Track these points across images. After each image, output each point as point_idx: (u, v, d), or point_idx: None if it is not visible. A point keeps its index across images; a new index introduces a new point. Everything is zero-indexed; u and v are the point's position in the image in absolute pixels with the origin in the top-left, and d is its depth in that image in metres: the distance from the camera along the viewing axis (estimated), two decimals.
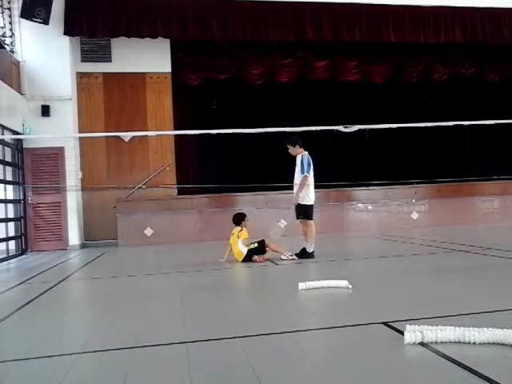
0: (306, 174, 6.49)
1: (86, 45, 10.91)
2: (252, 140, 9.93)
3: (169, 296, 4.58)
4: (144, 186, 10.97)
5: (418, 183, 11.91)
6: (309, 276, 5.33)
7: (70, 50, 10.50)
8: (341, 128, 7.19)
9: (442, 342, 2.58)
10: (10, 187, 9.52)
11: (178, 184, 11.27)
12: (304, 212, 6.60)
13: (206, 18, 10.75)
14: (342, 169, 12.91)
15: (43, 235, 10.17)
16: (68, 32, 10.25)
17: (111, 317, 3.77)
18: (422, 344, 2.59)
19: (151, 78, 11.31)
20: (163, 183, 11.02)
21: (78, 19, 10.25)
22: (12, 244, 9.53)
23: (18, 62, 10.02)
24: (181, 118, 11.80)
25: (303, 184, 6.50)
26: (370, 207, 11.75)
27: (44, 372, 2.54)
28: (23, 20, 9.84)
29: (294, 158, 6.75)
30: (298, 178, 6.63)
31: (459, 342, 2.57)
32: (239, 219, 6.79)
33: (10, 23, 10.05)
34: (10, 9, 10.06)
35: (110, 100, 11.12)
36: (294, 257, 6.57)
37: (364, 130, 7.78)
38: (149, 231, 10.55)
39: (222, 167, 12.70)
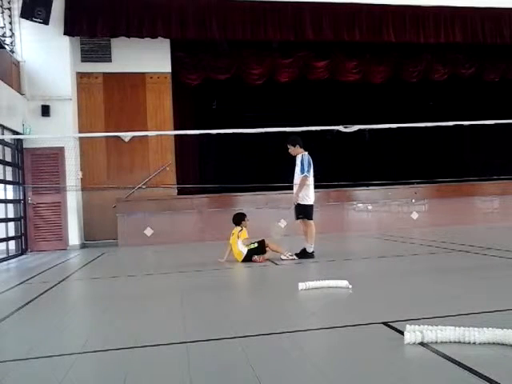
0: (305, 173, 6.49)
1: (86, 45, 10.91)
2: (252, 140, 9.92)
3: (169, 296, 4.58)
4: (144, 186, 10.97)
5: (417, 183, 11.90)
6: (309, 276, 5.33)
7: (70, 50, 10.50)
8: (341, 128, 7.18)
9: (442, 342, 2.58)
10: (10, 187, 9.52)
11: (178, 184, 11.27)
12: (304, 212, 6.60)
13: (206, 17, 10.75)
14: (341, 169, 12.91)
15: (43, 235, 10.17)
16: (68, 32, 10.25)
17: (111, 317, 3.77)
18: (422, 344, 2.59)
19: (151, 78, 11.31)
20: (163, 183, 11.02)
21: (78, 19, 10.25)
22: (12, 244, 9.53)
23: (18, 62, 10.02)
24: (181, 118, 11.80)
25: (303, 184, 6.50)
26: (369, 207, 11.75)
27: (44, 372, 2.54)
28: (23, 20, 9.84)
29: (293, 158, 6.75)
30: (297, 177, 6.63)
31: (459, 342, 2.57)
32: (239, 219, 6.79)
33: (10, 23, 10.05)
34: (10, 9, 10.06)
35: (109, 100, 11.12)
36: (294, 257, 6.57)
37: (364, 129, 7.77)
38: (149, 231, 10.55)
39: (221, 167, 12.70)
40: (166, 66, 11.35)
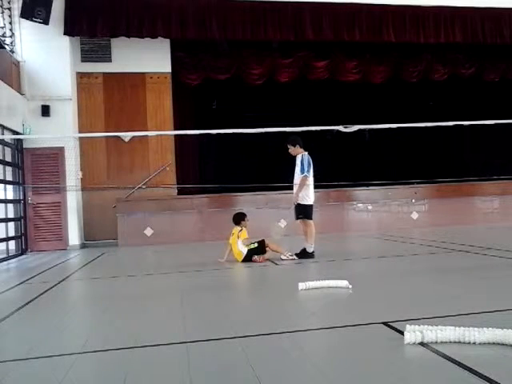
0: (305, 173, 6.49)
1: (86, 45, 10.91)
2: (252, 140, 9.92)
3: (169, 296, 4.58)
4: (144, 186, 10.97)
5: (418, 183, 11.90)
6: (309, 276, 5.33)
7: (70, 50, 10.50)
8: (341, 128, 7.19)
9: (442, 342, 2.58)
10: (10, 187, 9.52)
11: (178, 184, 11.27)
12: (304, 212, 6.60)
13: (206, 17, 10.75)
14: (342, 169, 12.90)
15: (43, 235, 10.17)
16: (68, 32, 10.25)
17: (111, 317, 3.77)
18: (422, 344, 2.59)
19: (151, 78, 11.31)
20: (163, 183, 11.02)
21: (78, 19, 10.25)
22: (12, 244, 9.53)
23: (18, 62, 10.02)
24: (181, 118, 11.80)
25: (303, 184, 6.50)
26: (370, 207, 11.75)
27: (44, 372, 2.54)
28: (23, 20, 9.84)
29: (293, 158, 6.75)
30: (297, 177, 6.63)
31: (459, 342, 2.57)
32: (239, 219, 6.79)
33: (10, 23, 10.05)
34: (10, 9, 10.06)
35: (109, 100, 11.12)
36: (294, 257, 6.57)
37: (364, 129, 7.77)
38: (149, 231, 10.55)
39: (222, 167, 12.69)
40: (166, 66, 11.36)
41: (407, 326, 2.75)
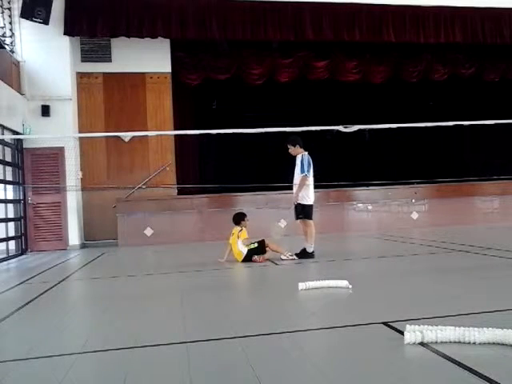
0: (305, 173, 6.49)
1: (86, 45, 10.92)
2: (252, 140, 9.92)
3: (169, 296, 4.58)
4: (144, 186, 10.97)
5: (418, 183, 11.90)
6: (309, 276, 5.33)
7: (70, 50, 10.50)
8: (341, 128, 7.19)
9: (442, 342, 2.58)
10: (10, 187, 9.52)
11: (178, 184, 11.27)
12: (304, 212, 6.60)
13: (206, 17, 10.75)
14: (342, 169, 12.90)
15: (43, 235, 10.17)
16: (68, 32, 10.25)
17: (111, 317, 3.77)
18: (422, 344, 2.59)
19: (151, 78, 11.31)
20: (163, 183, 11.02)
21: (78, 19, 10.25)
22: (12, 244, 9.53)
23: (18, 62, 10.02)
24: (181, 117, 11.80)
25: (303, 184, 6.50)
26: (370, 207, 11.75)
27: (44, 372, 2.54)
28: (23, 20, 9.84)
29: (294, 158, 6.75)
30: (297, 177, 6.63)
31: (459, 342, 2.57)
32: (239, 219, 6.79)
33: (10, 23, 10.05)
34: (10, 9, 10.06)
35: (110, 100, 11.12)
36: (294, 257, 6.57)
37: (364, 129, 7.77)
38: (149, 231, 10.55)
39: (222, 167, 12.70)
40: (166, 66, 11.36)
41: (407, 326, 2.75)
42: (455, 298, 3.74)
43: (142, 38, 10.67)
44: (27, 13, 9.66)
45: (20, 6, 9.75)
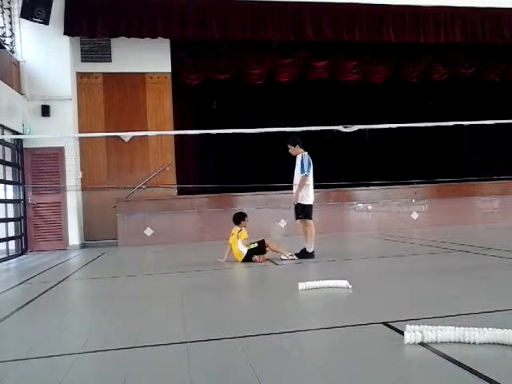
0: (306, 173, 6.49)
1: (86, 45, 10.91)
2: (252, 140, 9.92)
3: (169, 296, 4.58)
4: (144, 186, 10.97)
5: (418, 183, 11.90)
6: (309, 276, 5.33)
7: (70, 50, 10.51)
8: (341, 128, 7.19)
9: (442, 342, 2.58)
10: (10, 187, 9.52)
11: (178, 184, 11.27)
12: (303, 212, 6.60)
13: (206, 17, 10.75)
14: (342, 169, 12.91)
15: (43, 235, 10.17)
16: (68, 32, 10.25)
17: (111, 317, 3.77)
18: (422, 344, 2.59)
19: (151, 78, 11.31)
20: (163, 183, 11.02)
21: (78, 19, 10.25)
22: (12, 244, 9.53)
23: (18, 62, 10.02)
24: (181, 118, 11.80)
25: (303, 183, 6.50)
26: (369, 207, 11.75)
27: (44, 372, 2.54)
28: (23, 20, 9.84)
29: (293, 158, 6.75)
30: (297, 177, 6.63)
31: (459, 342, 2.57)
32: (239, 219, 6.79)
33: (10, 23, 10.05)
34: (10, 9, 10.06)
35: (110, 100, 11.12)
36: (294, 257, 6.57)
37: (364, 129, 7.77)
38: (149, 231, 10.55)
39: (222, 167, 12.70)
40: (166, 66, 11.36)
41: (407, 326, 2.75)
42: (455, 298, 3.74)
43: (142, 37, 10.67)
44: (27, 13, 9.66)
45: (20, 5, 9.75)
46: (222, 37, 10.99)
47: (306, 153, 6.67)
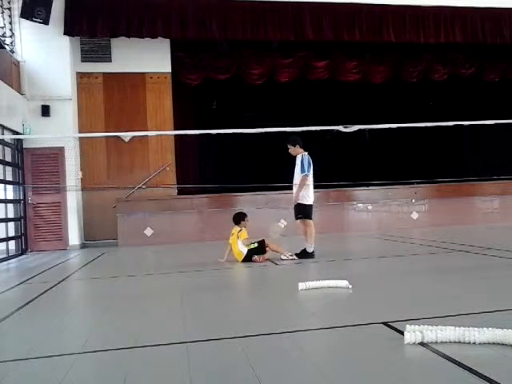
0: (306, 173, 6.49)
1: (86, 45, 10.91)
2: (252, 140, 9.92)
3: (169, 296, 4.58)
4: (144, 186, 10.97)
5: (418, 183, 11.90)
6: (309, 276, 5.33)
7: (70, 50, 10.51)
8: (341, 128, 7.18)
9: (442, 342, 2.58)
10: (10, 187, 9.52)
11: (178, 184, 11.27)
12: (303, 212, 6.60)
13: (206, 17, 10.75)
14: (342, 169, 12.91)
15: (43, 235, 10.17)
16: (68, 32, 10.25)
17: (111, 317, 3.77)
18: (422, 344, 2.59)
19: (151, 78, 11.31)
20: (163, 183, 11.02)
21: (78, 19, 10.25)
22: (12, 244, 9.53)
23: (18, 62, 10.02)
24: (181, 118, 11.80)
25: (303, 183, 6.50)
26: (370, 207, 11.75)
27: (44, 372, 2.54)
28: (23, 20, 9.84)
29: (293, 158, 6.75)
30: (297, 178, 6.63)
31: (459, 342, 2.57)
32: (239, 219, 6.79)
33: (10, 23, 10.05)
34: (10, 9, 10.06)
35: (110, 100, 11.12)
36: (294, 257, 6.57)
37: (364, 129, 7.77)
38: (149, 231, 10.55)
39: (222, 167, 12.70)
40: (166, 66, 11.36)
41: (407, 326, 2.75)
42: (455, 298, 3.74)
43: (142, 37, 10.67)
44: (27, 13, 9.66)
45: (20, 5, 9.75)
46: (222, 37, 10.99)
47: (306, 153, 6.67)
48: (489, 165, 13.25)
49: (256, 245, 6.57)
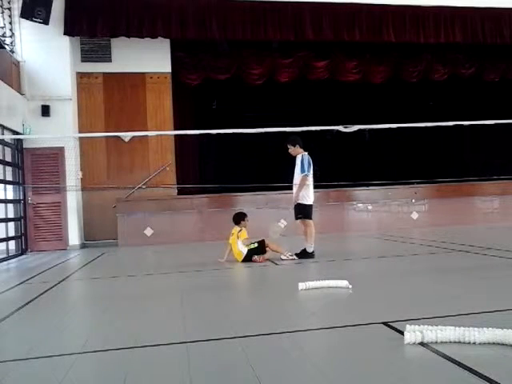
0: (306, 173, 6.49)
1: (86, 45, 10.91)
2: (252, 140, 9.93)
3: (169, 296, 4.58)
4: (144, 186, 10.97)
5: (418, 183, 11.90)
6: (309, 276, 5.33)
7: (70, 50, 10.51)
8: (341, 128, 7.18)
9: (442, 342, 2.58)
10: (10, 187, 9.52)
11: (178, 184, 11.27)
12: (303, 212, 6.60)
13: (206, 17, 10.75)
14: (342, 169, 12.91)
15: (43, 235, 10.17)
16: (68, 32, 10.25)
17: (111, 317, 3.77)
18: (422, 344, 2.59)
19: (151, 78, 11.31)
20: (163, 183, 11.02)
21: (78, 19, 10.25)
22: (12, 244, 9.53)
23: (18, 62, 10.02)
24: (181, 118, 11.80)
25: (303, 183, 6.50)
26: (370, 207, 11.74)
27: (44, 372, 2.54)
28: (23, 20, 9.84)
29: (293, 158, 6.75)
30: (297, 178, 6.63)
31: (459, 342, 2.56)
32: (239, 219, 6.79)
33: (10, 23, 10.05)
34: (10, 9, 10.06)
35: (110, 100, 11.12)
36: (294, 257, 6.57)
37: (364, 129, 7.77)
38: (149, 231, 10.55)
39: (222, 167, 12.70)
40: (166, 66, 11.36)
41: (407, 326, 2.75)
42: (455, 298, 3.74)
43: (142, 37, 10.67)
44: (27, 13, 9.66)
45: (20, 5, 9.75)
46: (222, 37, 10.99)
47: (306, 153, 6.67)
48: (489, 165, 13.25)
49: (256, 245, 6.57)
